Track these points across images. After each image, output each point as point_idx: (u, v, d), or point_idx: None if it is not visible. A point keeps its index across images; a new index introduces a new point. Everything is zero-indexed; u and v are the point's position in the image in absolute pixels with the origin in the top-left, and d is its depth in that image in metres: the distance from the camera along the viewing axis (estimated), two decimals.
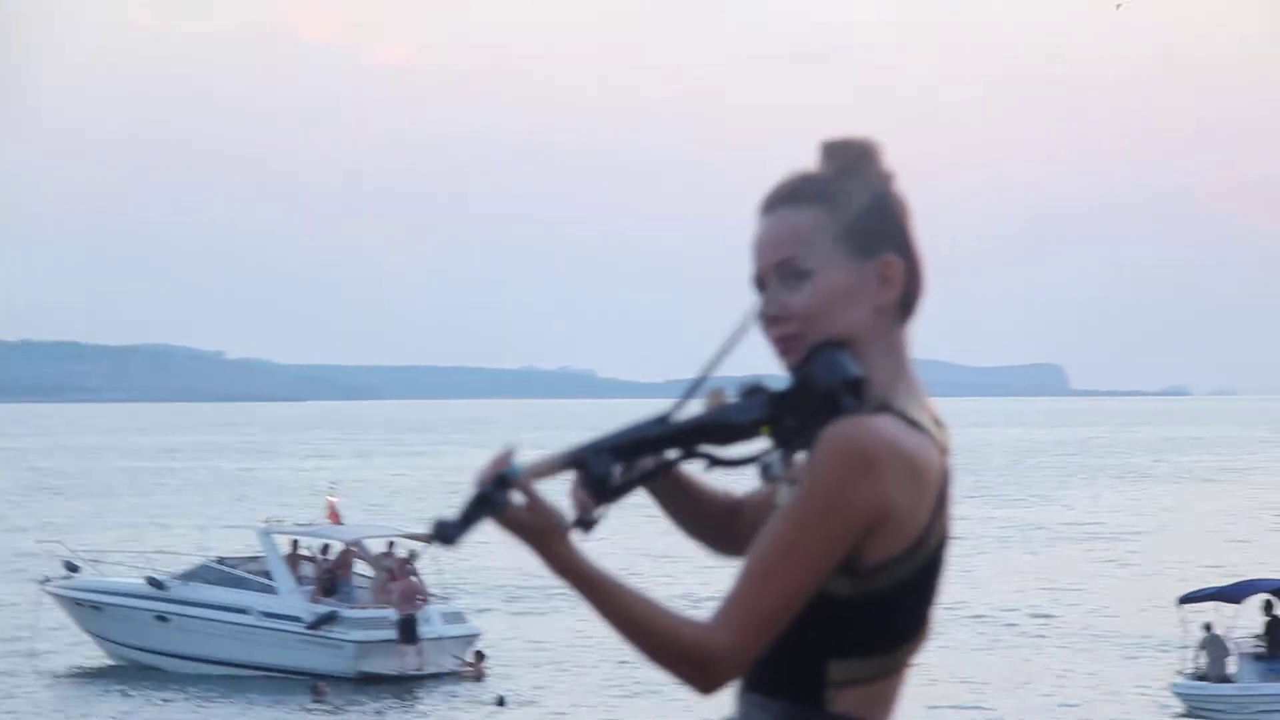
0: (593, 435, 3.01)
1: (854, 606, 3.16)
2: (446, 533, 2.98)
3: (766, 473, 3.22)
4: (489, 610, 44.04)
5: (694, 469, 3.18)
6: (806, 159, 3.32)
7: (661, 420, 3.09)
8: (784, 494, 3.26)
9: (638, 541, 44.60)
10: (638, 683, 34.90)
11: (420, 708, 33.99)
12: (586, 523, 3.09)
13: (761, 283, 3.28)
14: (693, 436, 3.10)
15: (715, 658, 3.07)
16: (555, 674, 37.04)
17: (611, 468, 3.05)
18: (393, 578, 37.97)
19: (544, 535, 3.03)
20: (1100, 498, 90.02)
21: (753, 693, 3.22)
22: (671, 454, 3.10)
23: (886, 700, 3.21)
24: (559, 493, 3.02)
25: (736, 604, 3.10)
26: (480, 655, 37.53)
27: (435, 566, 38.52)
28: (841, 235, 3.24)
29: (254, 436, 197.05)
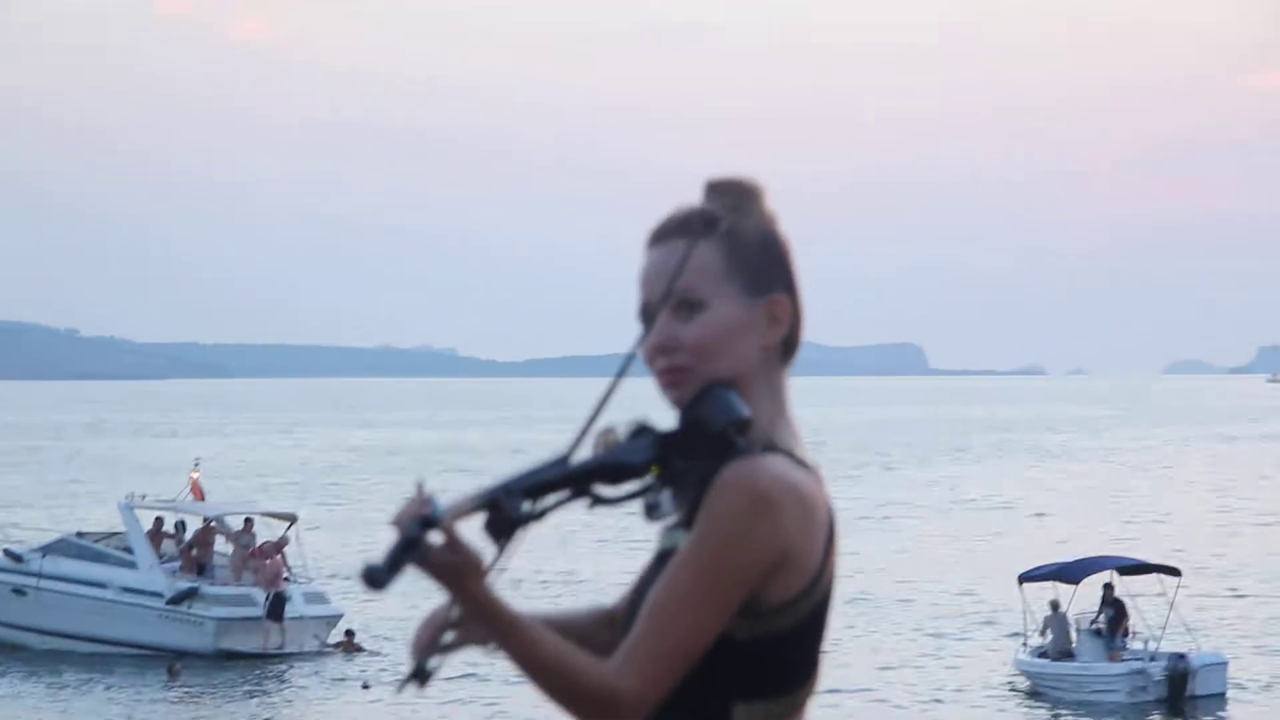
0: (497, 479, 3.01)
1: (756, 648, 3.15)
2: (376, 577, 2.93)
3: (652, 512, 3.17)
4: (352, 594, 43.84)
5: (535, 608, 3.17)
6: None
7: (562, 462, 3.08)
8: (668, 536, 3.23)
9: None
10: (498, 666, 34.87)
11: (285, 688, 33.75)
12: (423, 674, 3.09)
13: (648, 314, 3.24)
14: (590, 476, 3.11)
15: (620, 700, 3.07)
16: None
17: (521, 509, 3.06)
18: (255, 555, 37.73)
19: (463, 575, 3.00)
20: (959, 477, 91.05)
21: None
22: (566, 493, 3.09)
23: None
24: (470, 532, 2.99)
25: (640, 647, 3.09)
26: (350, 634, 37.44)
27: (296, 548, 38.28)
28: (734, 271, 3.23)
29: (111, 415, 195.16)
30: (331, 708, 31.72)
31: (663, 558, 3.24)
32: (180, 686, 33.42)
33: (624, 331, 3.27)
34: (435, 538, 2.98)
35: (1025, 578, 32.97)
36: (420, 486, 3.00)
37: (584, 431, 3.12)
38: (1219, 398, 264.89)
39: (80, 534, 40.37)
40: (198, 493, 39.88)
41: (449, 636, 3.18)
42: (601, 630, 3.40)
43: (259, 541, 38.33)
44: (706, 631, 3.11)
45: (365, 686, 33.66)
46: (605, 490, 3.14)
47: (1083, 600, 33.11)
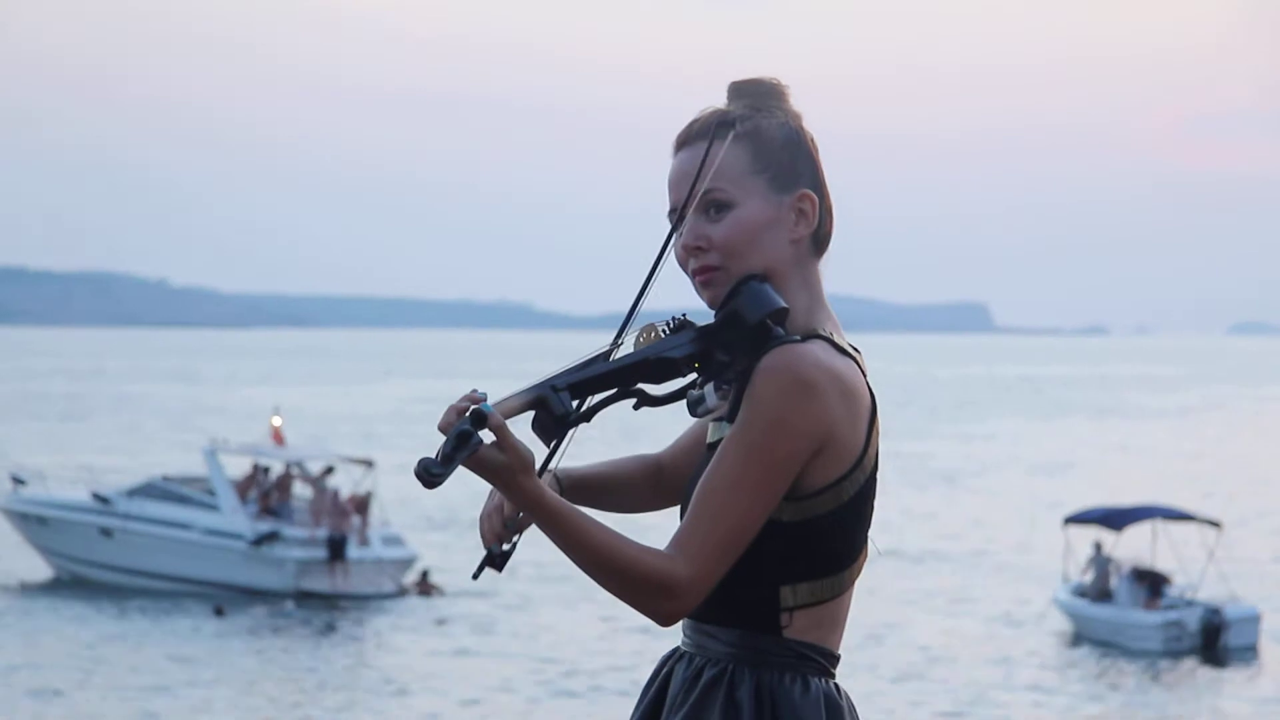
0: (545, 374, 3.09)
1: (801, 530, 3.19)
2: (431, 473, 2.97)
3: (696, 407, 3.23)
4: (425, 536, 44.90)
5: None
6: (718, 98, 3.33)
7: (605, 357, 3.14)
8: (715, 429, 3.32)
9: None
10: (590, 597, 35.94)
11: (355, 626, 34.83)
12: (496, 558, 3.17)
13: (678, 216, 3.30)
14: (633, 372, 3.15)
15: (676, 587, 3.10)
16: (502, 597, 37.92)
17: (570, 405, 3.10)
18: (331, 500, 38.59)
19: (513, 471, 3.04)
20: (1020, 434, 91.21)
21: (705, 623, 3.26)
22: (611, 390, 3.15)
23: (837, 621, 3.27)
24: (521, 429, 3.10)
25: (693, 534, 3.12)
26: (425, 574, 38.13)
27: (374, 490, 39.21)
28: (759, 169, 3.26)
29: (198, 362, 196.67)
30: (400, 642, 32.84)
31: (709, 450, 3.30)
32: (259, 623, 34.39)
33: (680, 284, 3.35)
34: (485, 435, 3.02)
35: (1071, 520, 33.64)
36: (471, 391, 3.04)
37: (624, 328, 3.17)
38: None
39: (166, 478, 41.16)
40: (279, 439, 40.76)
41: (510, 518, 3.23)
42: (647, 480, 3.49)
43: (336, 486, 39.22)
44: (757, 516, 3.13)
45: (440, 623, 34.54)
46: (649, 388, 3.17)
47: (1125, 547, 33.93)
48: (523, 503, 3.06)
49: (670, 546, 3.13)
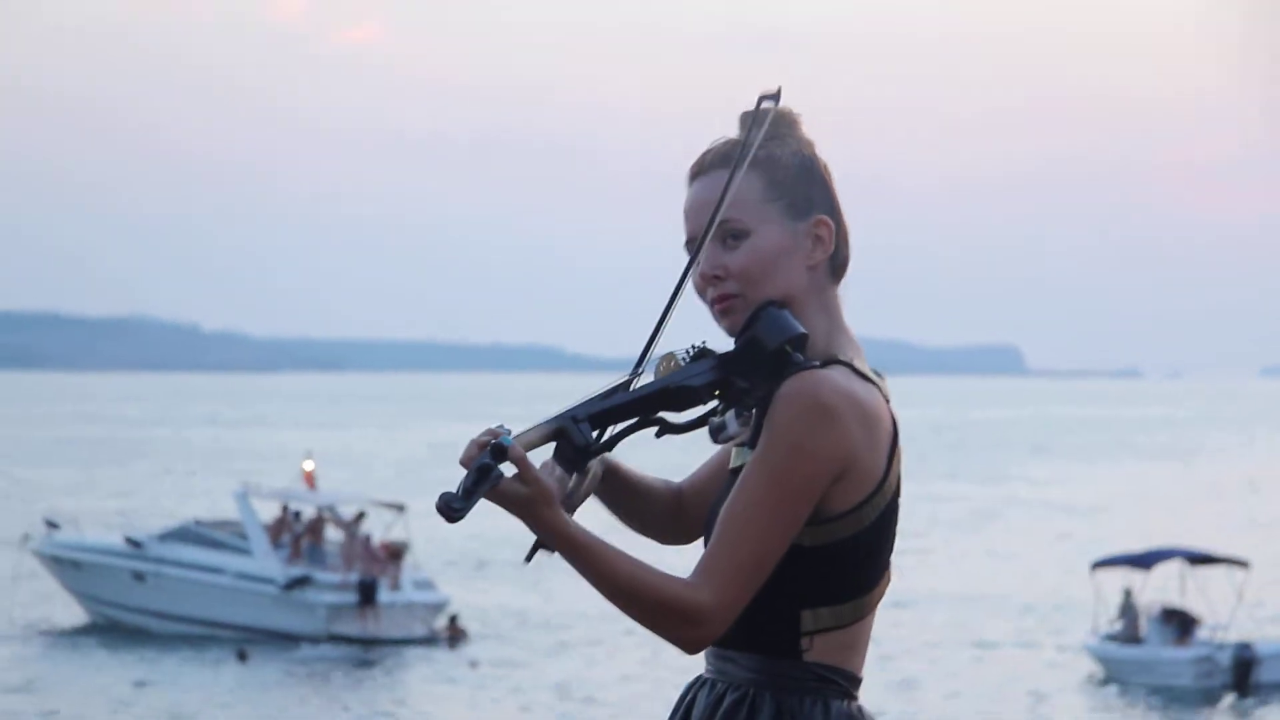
0: (566, 405, 3.10)
1: (822, 555, 3.20)
2: (453, 507, 2.98)
3: (717, 434, 3.23)
4: (454, 579, 44.98)
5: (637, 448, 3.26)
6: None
7: (625, 387, 3.15)
8: (737, 455, 3.32)
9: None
10: (604, 640, 36.01)
11: (384, 672, 34.90)
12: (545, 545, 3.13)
13: (694, 246, 3.31)
14: (654, 401, 3.15)
15: (700, 614, 3.10)
16: (528, 636, 37.97)
17: (590, 436, 3.11)
18: (363, 545, 38.67)
19: (536, 503, 3.05)
20: (1055, 476, 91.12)
21: (726, 648, 3.25)
22: (632, 420, 3.15)
23: (858, 646, 3.26)
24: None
25: (716, 560, 3.12)
26: (454, 619, 38.27)
27: (405, 534, 39.31)
28: (775, 197, 3.28)
29: (229, 407, 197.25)
30: (430, 689, 32.93)
31: (732, 475, 3.29)
32: (286, 670, 34.46)
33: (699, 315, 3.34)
34: (506, 469, 3.02)
35: (1099, 564, 33.68)
36: (488, 429, 3.07)
37: (644, 357, 3.18)
38: None
39: (198, 522, 41.33)
40: (310, 483, 40.87)
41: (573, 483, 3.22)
42: (669, 503, 3.47)
43: (368, 532, 39.32)
44: (779, 542, 3.14)
45: (473, 665, 34.59)
46: (670, 417, 3.16)
47: (1153, 590, 33.99)
48: (545, 535, 3.08)
49: (694, 574, 3.13)
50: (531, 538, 3.10)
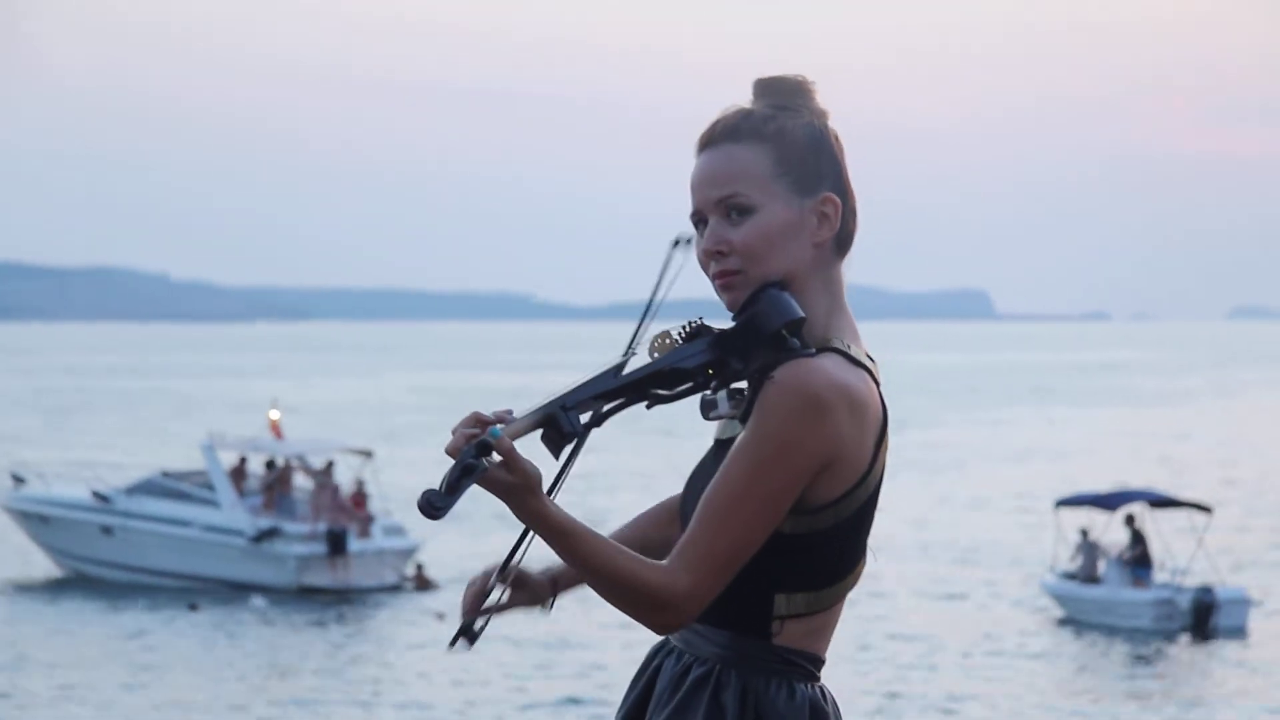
0: (555, 392, 3.08)
1: (800, 543, 3.20)
2: (434, 505, 3.00)
3: (709, 410, 3.22)
4: (425, 524, 44.95)
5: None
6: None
7: (617, 371, 3.13)
8: (727, 427, 3.34)
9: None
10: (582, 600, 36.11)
11: (353, 621, 34.93)
12: (470, 633, 3.19)
13: (700, 219, 3.29)
14: (645, 385, 3.15)
15: (675, 602, 3.13)
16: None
17: (578, 423, 3.11)
18: (331, 494, 38.64)
19: (519, 491, 3.07)
20: (1018, 420, 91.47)
21: (697, 622, 3.26)
22: (620, 400, 3.15)
23: (827, 628, 3.29)
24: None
25: (693, 547, 3.14)
26: (420, 568, 38.27)
27: (375, 482, 39.31)
28: (782, 173, 3.25)
29: (196, 356, 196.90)
30: (400, 636, 32.98)
31: (721, 446, 3.32)
32: (256, 622, 34.44)
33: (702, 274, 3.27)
34: (493, 458, 3.03)
35: (1062, 503, 33.77)
36: (475, 413, 3.05)
37: (636, 336, 3.17)
38: None
39: (166, 473, 41.24)
40: (277, 432, 40.78)
41: (495, 598, 3.27)
42: (667, 528, 3.48)
43: (338, 482, 39.27)
44: (758, 532, 3.14)
45: (440, 617, 34.69)
46: (662, 391, 3.16)
47: (1115, 530, 34.12)
48: (528, 521, 3.10)
49: (671, 559, 3.15)
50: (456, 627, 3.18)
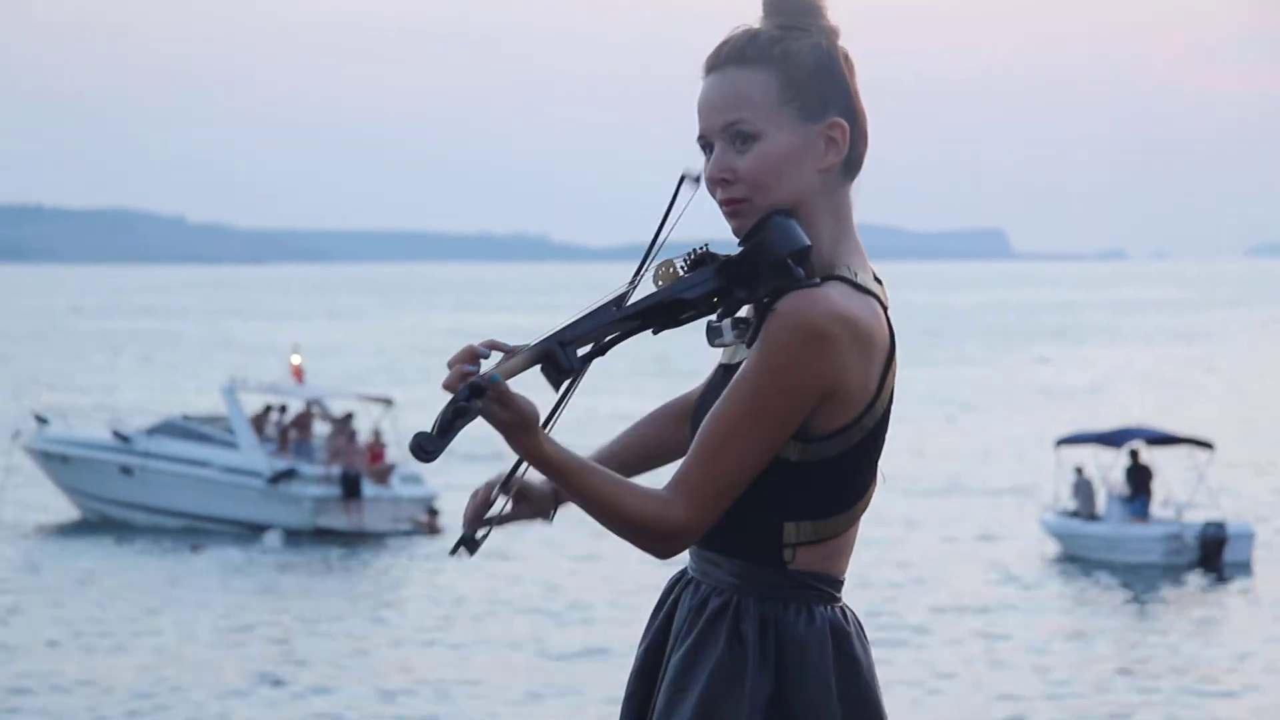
0: (554, 327, 3.08)
1: (807, 471, 3.20)
2: (425, 449, 3.02)
3: (714, 338, 3.22)
4: (441, 470, 45.21)
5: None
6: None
7: (619, 303, 3.11)
8: (732, 353, 3.33)
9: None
10: (596, 535, 36.39)
11: (364, 562, 35.26)
12: (471, 543, 3.22)
13: (706, 143, 3.26)
14: (646, 318, 3.13)
15: (673, 530, 3.15)
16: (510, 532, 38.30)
17: (575, 359, 3.08)
18: (349, 440, 38.89)
19: (515, 428, 3.08)
20: (1035, 359, 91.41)
21: (709, 550, 3.28)
22: (620, 333, 3.13)
23: (843, 551, 3.27)
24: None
25: (692, 476, 3.16)
26: (433, 512, 38.56)
27: (395, 430, 39.54)
28: (788, 98, 3.20)
29: (215, 298, 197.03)
30: (407, 576, 33.32)
31: (727, 370, 3.31)
32: (266, 560, 34.72)
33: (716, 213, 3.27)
34: (486, 398, 3.01)
35: (1064, 441, 33.81)
36: (468, 346, 3.07)
37: (641, 269, 3.14)
38: None
39: (186, 416, 41.52)
40: (298, 376, 41.02)
41: (498, 509, 3.30)
42: (675, 430, 3.50)
43: (355, 428, 39.44)
44: (755, 461, 3.15)
45: (454, 552, 34.93)
46: (666, 320, 3.14)
47: (1120, 468, 34.08)
48: (526, 456, 3.12)
49: (669, 487, 3.17)
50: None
